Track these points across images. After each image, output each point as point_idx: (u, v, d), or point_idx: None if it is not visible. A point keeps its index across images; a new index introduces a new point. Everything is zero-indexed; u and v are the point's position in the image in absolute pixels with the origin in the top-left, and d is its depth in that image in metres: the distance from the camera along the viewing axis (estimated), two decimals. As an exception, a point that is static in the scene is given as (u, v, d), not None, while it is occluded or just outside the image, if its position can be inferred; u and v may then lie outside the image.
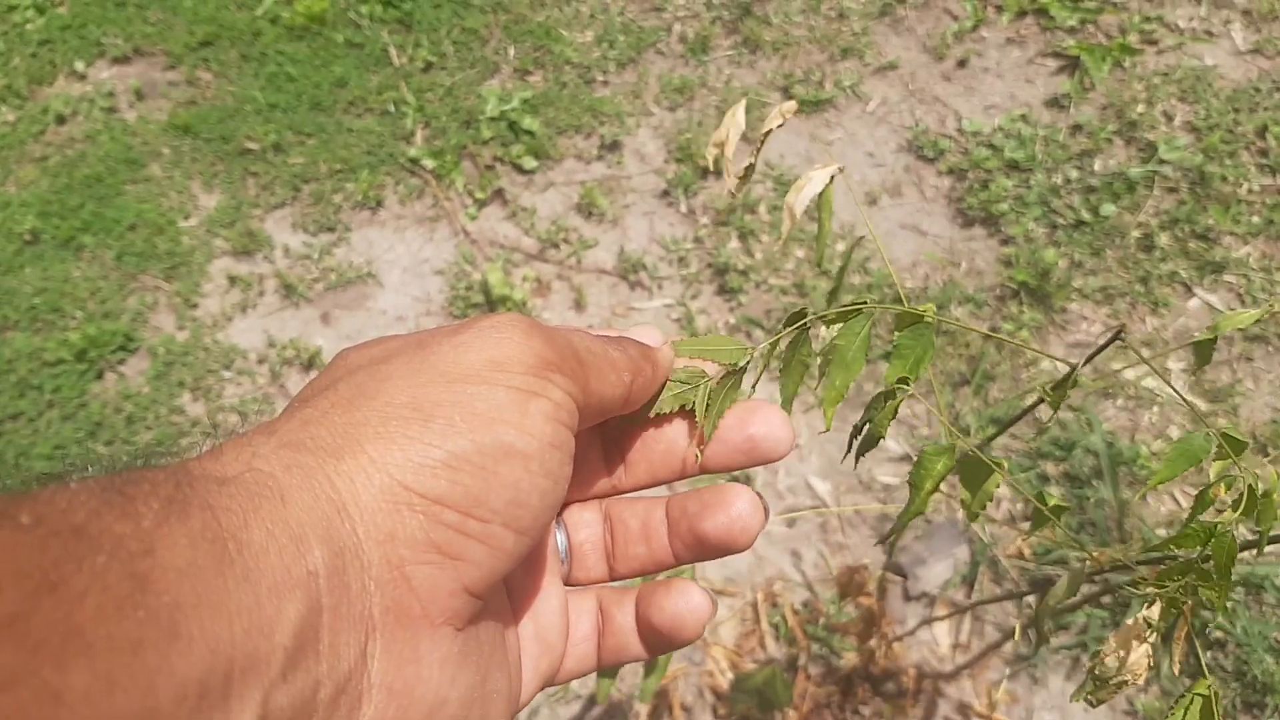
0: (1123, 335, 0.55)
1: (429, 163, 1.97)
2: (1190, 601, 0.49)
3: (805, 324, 0.45)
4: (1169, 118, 1.93)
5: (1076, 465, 1.56)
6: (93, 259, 1.92)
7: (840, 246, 1.80)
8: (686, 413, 0.42)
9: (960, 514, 1.53)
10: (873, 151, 1.96)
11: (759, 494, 0.41)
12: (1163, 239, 1.79)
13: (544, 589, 0.40)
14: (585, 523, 0.43)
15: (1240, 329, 1.75)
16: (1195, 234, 1.79)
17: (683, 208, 1.90)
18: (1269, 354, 1.66)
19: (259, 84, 2.12)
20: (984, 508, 0.54)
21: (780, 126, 0.63)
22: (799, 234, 1.85)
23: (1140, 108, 1.94)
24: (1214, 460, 0.50)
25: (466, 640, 0.33)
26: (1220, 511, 0.49)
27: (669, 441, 0.42)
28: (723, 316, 1.76)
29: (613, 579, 0.43)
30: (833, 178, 0.63)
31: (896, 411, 0.48)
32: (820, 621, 1.44)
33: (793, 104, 0.63)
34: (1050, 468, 1.57)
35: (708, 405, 0.42)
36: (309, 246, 1.91)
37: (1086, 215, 1.82)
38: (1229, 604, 1.43)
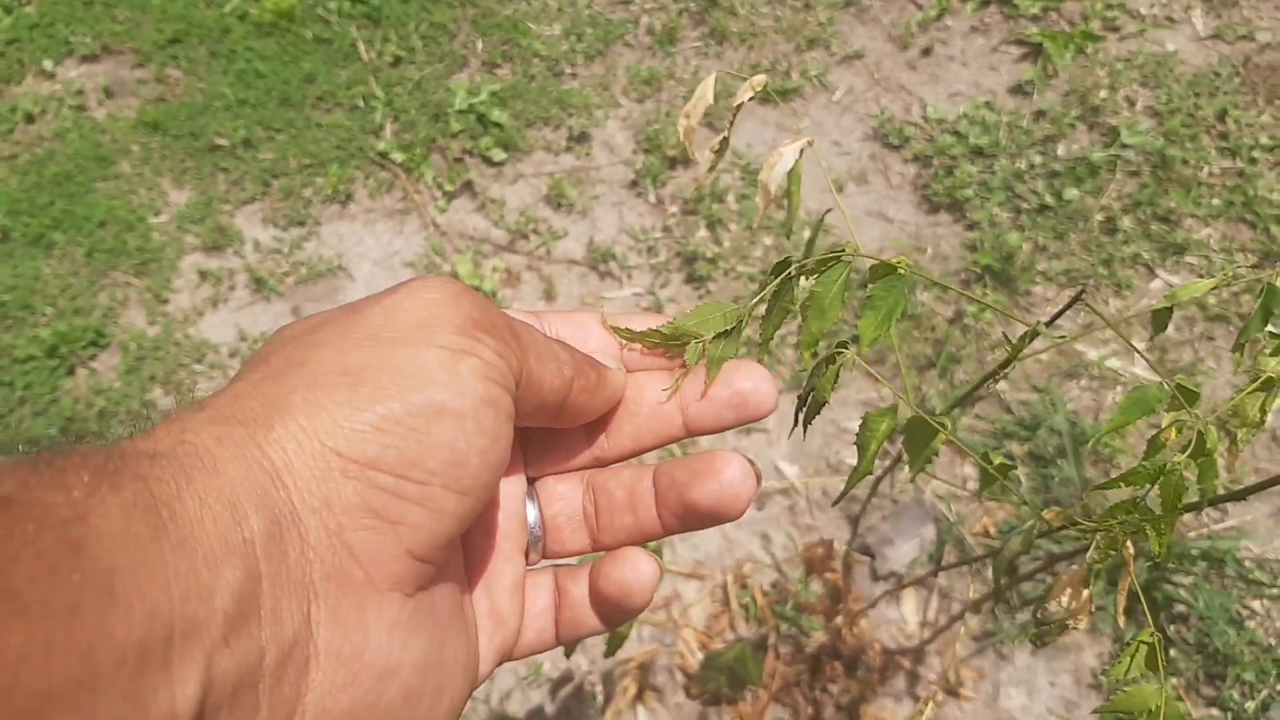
0: (1084, 296, 0.57)
1: (398, 156, 1.98)
2: (1129, 542, 0.51)
3: (789, 273, 0.45)
4: (1131, 103, 1.96)
5: (1041, 445, 1.58)
6: (63, 256, 1.92)
7: (806, 233, 1.82)
8: (671, 368, 0.43)
9: (927, 494, 1.55)
10: (839, 140, 1.97)
11: (751, 460, 0.40)
12: (1125, 222, 1.81)
13: (499, 563, 0.40)
14: (561, 495, 0.42)
15: (1202, 308, 1.76)
16: (1157, 216, 1.81)
17: (651, 198, 1.91)
18: (1229, 333, 1.69)
19: (228, 80, 2.12)
20: (923, 468, 0.55)
21: (751, 99, 0.65)
22: (767, 221, 1.87)
23: (1102, 93, 1.96)
24: (1167, 410, 0.51)
25: (418, 606, 0.33)
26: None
27: (652, 405, 0.42)
28: (691, 304, 1.78)
29: (597, 551, 0.42)
30: (802, 151, 0.65)
31: (838, 376, 0.49)
32: (789, 602, 1.45)
33: (762, 77, 0.65)
34: (1015, 447, 1.59)
35: (706, 354, 0.42)
36: (279, 241, 1.91)
37: (1050, 200, 1.84)
38: (1190, 579, 1.45)
